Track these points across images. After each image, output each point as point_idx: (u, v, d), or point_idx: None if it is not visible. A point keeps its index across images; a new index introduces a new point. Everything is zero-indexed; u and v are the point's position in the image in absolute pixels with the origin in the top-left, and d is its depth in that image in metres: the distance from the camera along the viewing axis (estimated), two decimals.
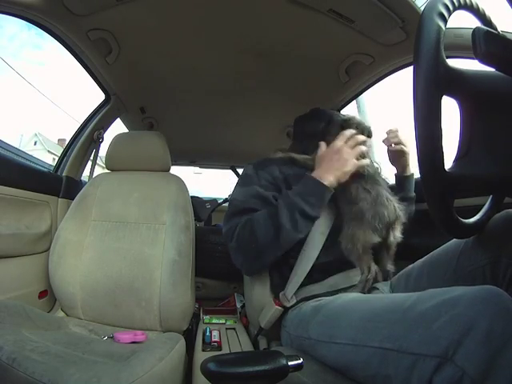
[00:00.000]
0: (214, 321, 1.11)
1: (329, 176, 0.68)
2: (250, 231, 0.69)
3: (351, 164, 0.68)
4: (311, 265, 0.73)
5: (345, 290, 0.72)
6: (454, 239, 0.59)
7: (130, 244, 0.96)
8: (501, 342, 0.32)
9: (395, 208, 0.73)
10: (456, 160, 0.37)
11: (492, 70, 0.35)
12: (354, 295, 0.64)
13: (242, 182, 0.82)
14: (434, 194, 0.34)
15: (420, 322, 0.38)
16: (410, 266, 0.71)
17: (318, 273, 0.75)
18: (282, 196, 0.72)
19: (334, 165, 0.68)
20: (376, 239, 0.72)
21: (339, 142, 0.70)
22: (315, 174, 0.70)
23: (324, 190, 0.68)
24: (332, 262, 0.75)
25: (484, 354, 0.32)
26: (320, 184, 0.68)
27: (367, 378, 0.45)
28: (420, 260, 0.68)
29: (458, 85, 0.32)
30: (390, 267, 0.76)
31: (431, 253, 0.65)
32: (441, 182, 0.33)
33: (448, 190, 0.34)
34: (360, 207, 0.71)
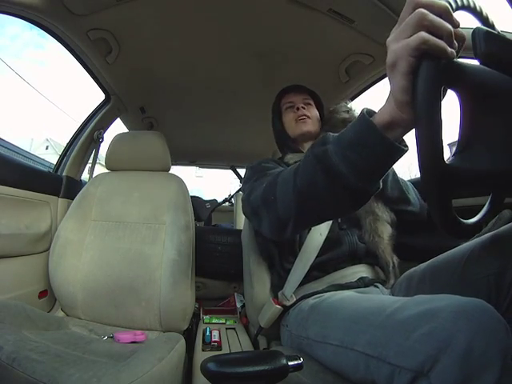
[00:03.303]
0: (214, 321, 1.11)
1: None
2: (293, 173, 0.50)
3: (402, 46, 0.33)
4: (310, 265, 0.74)
5: (343, 286, 0.72)
6: (460, 246, 0.59)
7: (130, 244, 0.96)
8: (479, 365, 0.30)
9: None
10: (455, 154, 0.36)
11: None
12: (345, 294, 0.64)
13: (252, 172, 0.76)
14: (434, 188, 0.34)
15: (400, 330, 0.37)
16: (412, 269, 0.70)
17: (316, 271, 0.75)
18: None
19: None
20: (390, 229, 0.78)
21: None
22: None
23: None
24: (330, 261, 0.75)
25: (459, 374, 0.30)
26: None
27: (358, 381, 0.45)
28: (423, 264, 0.67)
29: (458, 76, 0.32)
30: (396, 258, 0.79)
31: (435, 258, 0.64)
32: (440, 176, 0.33)
33: (447, 185, 0.34)
34: (370, 204, 0.77)
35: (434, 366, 0.32)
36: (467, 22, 0.40)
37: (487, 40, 0.33)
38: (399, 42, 0.33)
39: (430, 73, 0.31)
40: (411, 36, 0.32)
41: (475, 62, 0.35)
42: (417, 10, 0.31)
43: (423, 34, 0.31)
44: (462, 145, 0.36)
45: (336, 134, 0.43)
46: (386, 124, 0.36)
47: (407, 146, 0.38)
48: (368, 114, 0.39)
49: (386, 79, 0.36)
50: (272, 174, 0.62)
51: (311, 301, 0.68)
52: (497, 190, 0.45)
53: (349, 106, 0.85)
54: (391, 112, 0.36)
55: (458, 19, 0.33)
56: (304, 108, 0.89)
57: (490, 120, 0.35)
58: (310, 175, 0.45)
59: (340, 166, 0.40)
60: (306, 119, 0.88)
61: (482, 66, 0.35)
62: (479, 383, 0.30)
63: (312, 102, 0.93)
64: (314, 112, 0.91)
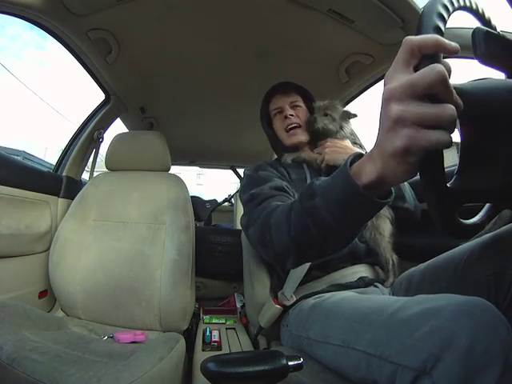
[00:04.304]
0: (214, 321, 1.11)
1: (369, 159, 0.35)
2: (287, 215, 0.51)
3: (401, 136, 0.28)
4: (309, 264, 0.73)
5: (343, 286, 0.72)
6: (460, 246, 0.59)
7: (130, 244, 0.96)
8: (481, 363, 0.30)
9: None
10: (457, 173, 0.37)
11: (490, 81, 0.35)
12: (346, 294, 0.64)
13: (249, 182, 0.78)
14: (435, 207, 0.34)
15: (402, 329, 0.37)
16: (412, 269, 0.70)
17: (316, 271, 0.75)
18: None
19: (379, 137, 0.32)
20: (390, 226, 0.78)
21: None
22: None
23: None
24: (330, 261, 0.75)
25: (461, 373, 0.30)
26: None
27: (359, 381, 0.45)
28: (423, 264, 0.67)
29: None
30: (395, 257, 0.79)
31: (435, 258, 0.64)
32: (443, 197, 0.33)
33: (450, 203, 0.35)
34: None
35: (437, 365, 0.32)
36: (467, 22, 0.40)
37: (487, 40, 0.33)
38: (417, 131, 0.27)
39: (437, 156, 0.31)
40: (427, 107, 0.27)
41: (475, 62, 0.35)
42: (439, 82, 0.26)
43: (445, 139, 0.27)
44: (463, 164, 0.36)
45: (323, 183, 0.43)
46: (372, 184, 0.34)
47: (393, 194, 0.38)
48: (352, 162, 0.37)
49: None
50: (266, 202, 0.64)
51: (312, 301, 0.68)
52: (497, 201, 0.45)
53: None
54: (380, 173, 0.32)
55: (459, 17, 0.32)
56: (292, 115, 0.87)
57: (489, 137, 0.35)
58: (302, 227, 0.47)
59: (329, 220, 0.40)
60: (295, 129, 0.87)
61: (478, 85, 0.34)
62: (481, 381, 0.30)
63: (301, 102, 0.91)
64: (302, 115, 0.89)
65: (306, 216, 0.44)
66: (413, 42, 0.28)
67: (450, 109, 0.27)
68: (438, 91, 0.27)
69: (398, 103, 0.28)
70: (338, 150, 0.80)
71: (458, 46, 0.28)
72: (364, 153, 0.39)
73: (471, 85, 0.34)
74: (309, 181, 0.81)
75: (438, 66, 0.27)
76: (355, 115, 0.88)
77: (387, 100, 0.29)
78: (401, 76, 0.29)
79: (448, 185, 0.34)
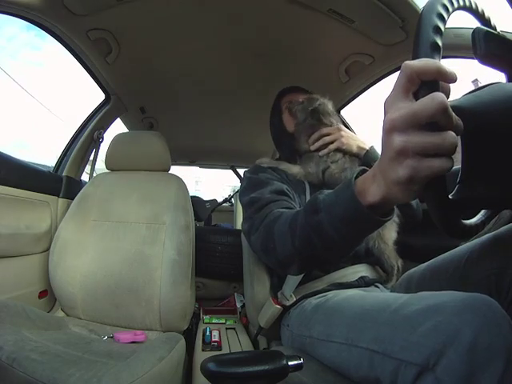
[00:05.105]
0: (213, 321, 1.11)
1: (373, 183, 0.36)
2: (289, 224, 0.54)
3: (404, 167, 0.29)
4: None
5: (344, 285, 0.72)
6: (460, 246, 0.59)
7: (130, 244, 0.96)
8: (484, 359, 0.30)
9: None
10: (458, 183, 0.37)
11: (485, 92, 0.35)
12: (350, 293, 0.64)
13: (249, 184, 0.79)
14: (438, 217, 0.35)
15: (405, 325, 0.38)
16: (412, 269, 0.70)
17: (316, 270, 0.75)
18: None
19: (382, 163, 0.33)
20: (396, 235, 0.77)
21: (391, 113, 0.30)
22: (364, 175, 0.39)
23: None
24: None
25: (464, 369, 0.30)
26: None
27: (361, 379, 0.45)
28: (423, 264, 0.67)
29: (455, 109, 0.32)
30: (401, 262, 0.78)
31: (435, 258, 0.64)
32: (445, 209, 0.34)
33: (451, 212, 0.35)
34: None
35: (440, 360, 0.32)
36: (467, 22, 0.40)
37: (487, 40, 0.33)
38: (419, 161, 0.28)
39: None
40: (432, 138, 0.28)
41: (474, 62, 0.35)
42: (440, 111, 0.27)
43: (447, 165, 0.28)
44: (464, 175, 0.36)
45: (327, 198, 0.45)
46: (376, 205, 0.36)
47: (395, 211, 0.40)
48: (358, 175, 0.39)
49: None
50: (267, 207, 0.66)
51: (314, 301, 0.68)
52: (497, 208, 0.45)
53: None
54: (384, 196, 0.34)
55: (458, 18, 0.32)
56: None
57: (488, 150, 0.35)
58: (306, 239, 0.49)
59: (333, 235, 0.43)
60: None
61: (473, 98, 0.34)
62: (483, 377, 0.30)
63: None
64: None
65: (311, 230, 0.47)
66: (412, 69, 0.28)
67: (451, 137, 0.28)
68: (439, 120, 0.27)
69: (400, 134, 0.29)
70: (352, 137, 0.81)
71: (456, 74, 0.29)
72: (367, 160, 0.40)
73: (467, 99, 0.34)
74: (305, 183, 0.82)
75: (439, 96, 0.27)
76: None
77: (389, 131, 0.30)
78: (401, 104, 0.29)
79: (450, 196, 0.34)
